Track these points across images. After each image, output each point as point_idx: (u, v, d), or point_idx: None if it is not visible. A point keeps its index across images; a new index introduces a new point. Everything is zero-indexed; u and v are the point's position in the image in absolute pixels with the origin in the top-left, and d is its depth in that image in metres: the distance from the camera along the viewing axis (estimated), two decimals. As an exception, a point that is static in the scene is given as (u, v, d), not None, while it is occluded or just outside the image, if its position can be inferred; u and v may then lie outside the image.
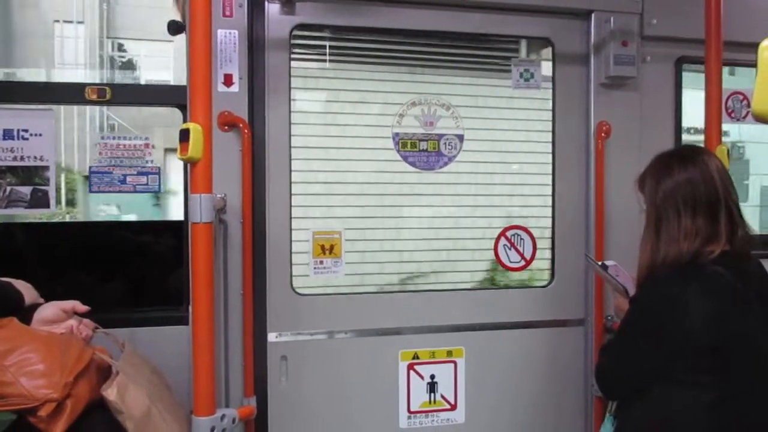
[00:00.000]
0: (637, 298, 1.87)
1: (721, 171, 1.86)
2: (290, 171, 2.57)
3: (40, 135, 2.41)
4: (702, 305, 1.73)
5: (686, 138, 3.01)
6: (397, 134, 2.73)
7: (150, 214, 11.39)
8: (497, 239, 2.84)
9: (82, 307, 1.86)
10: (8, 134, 2.38)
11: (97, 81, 13.41)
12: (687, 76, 2.93)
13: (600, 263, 2.24)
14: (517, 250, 2.85)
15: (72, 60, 15.46)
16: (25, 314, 1.79)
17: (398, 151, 2.72)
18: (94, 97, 2.42)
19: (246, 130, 2.41)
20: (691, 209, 1.81)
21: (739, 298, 1.76)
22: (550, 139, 2.83)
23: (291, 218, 2.57)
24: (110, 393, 1.70)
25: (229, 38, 2.42)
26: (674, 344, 1.74)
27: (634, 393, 1.85)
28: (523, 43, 2.96)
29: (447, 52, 2.82)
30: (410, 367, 2.71)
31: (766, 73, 0.96)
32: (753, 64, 1.07)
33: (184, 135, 1.78)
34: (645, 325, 1.82)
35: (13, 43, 14.25)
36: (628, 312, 1.89)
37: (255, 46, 2.49)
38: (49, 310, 1.82)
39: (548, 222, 2.85)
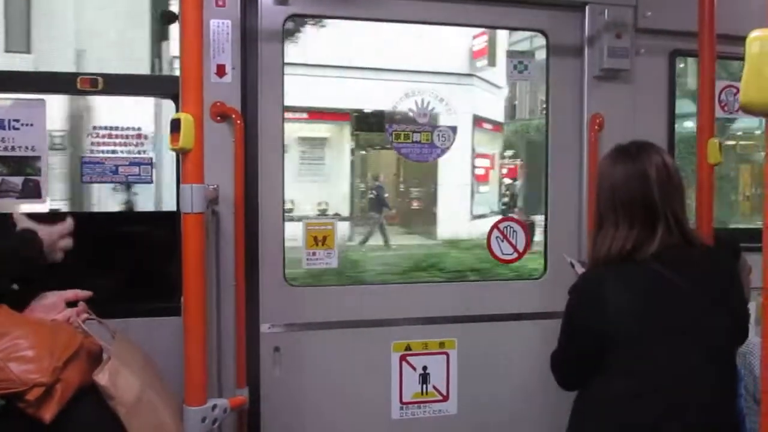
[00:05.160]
0: (570, 291, 1.90)
1: (662, 171, 1.82)
2: (283, 161, 2.57)
3: (32, 125, 2.39)
4: (621, 298, 1.76)
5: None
6: (390, 126, 2.72)
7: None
8: (490, 231, 2.85)
9: (83, 294, 1.88)
10: (-1, 124, 2.38)
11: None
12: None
13: (581, 261, 2.28)
14: (510, 243, 2.85)
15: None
16: (24, 299, 1.79)
17: (392, 142, 2.72)
18: (86, 86, 2.41)
19: (238, 121, 2.40)
20: (628, 216, 1.81)
21: (669, 288, 1.76)
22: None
23: (284, 209, 2.57)
24: (101, 378, 1.71)
25: (221, 28, 2.41)
26: (598, 336, 1.77)
27: (582, 382, 1.87)
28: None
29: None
30: (402, 358, 2.72)
31: (755, 65, 0.96)
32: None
33: (175, 125, 1.77)
34: (573, 320, 1.88)
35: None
36: (565, 307, 1.92)
37: (248, 36, 2.48)
38: (50, 299, 1.84)
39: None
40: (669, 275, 1.76)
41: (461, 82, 11.93)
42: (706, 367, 1.75)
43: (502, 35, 11.17)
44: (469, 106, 11.83)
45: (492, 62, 12.44)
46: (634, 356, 1.75)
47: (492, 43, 12.23)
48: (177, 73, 2.22)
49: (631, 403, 1.73)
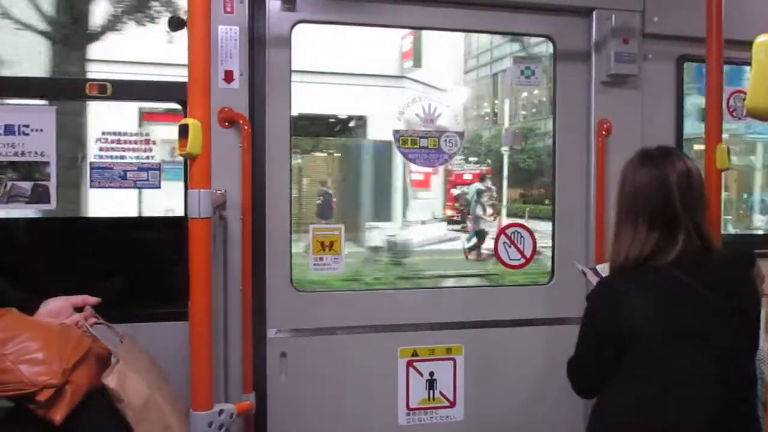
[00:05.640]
0: (588, 298, 1.90)
1: (683, 179, 1.81)
2: (290, 167, 2.58)
3: (41, 130, 2.41)
4: (640, 303, 1.75)
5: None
6: (397, 131, 2.73)
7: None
8: (497, 237, 2.85)
9: (91, 299, 1.89)
10: (9, 129, 2.39)
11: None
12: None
13: (591, 268, 2.28)
14: (517, 248, 2.85)
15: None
16: (31, 306, 1.80)
17: (399, 147, 2.72)
18: (94, 92, 2.42)
19: (246, 127, 2.41)
20: (647, 222, 1.81)
21: (688, 293, 1.75)
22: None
23: (291, 214, 2.58)
24: (110, 380, 1.72)
25: (229, 34, 2.42)
26: (617, 340, 1.76)
27: (599, 390, 1.86)
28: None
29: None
30: (409, 364, 2.71)
31: (761, 70, 0.96)
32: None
33: (183, 130, 1.78)
34: (591, 323, 1.87)
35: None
36: (583, 313, 1.91)
37: (256, 42, 2.49)
38: (57, 303, 1.85)
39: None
40: (687, 280, 1.76)
41: (392, 84, 11.54)
42: (724, 370, 1.75)
43: (428, 36, 10.79)
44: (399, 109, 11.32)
45: (417, 63, 12.01)
46: (653, 361, 1.74)
47: (417, 44, 11.80)
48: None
49: (649, 408, 1.73)
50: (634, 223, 1.83)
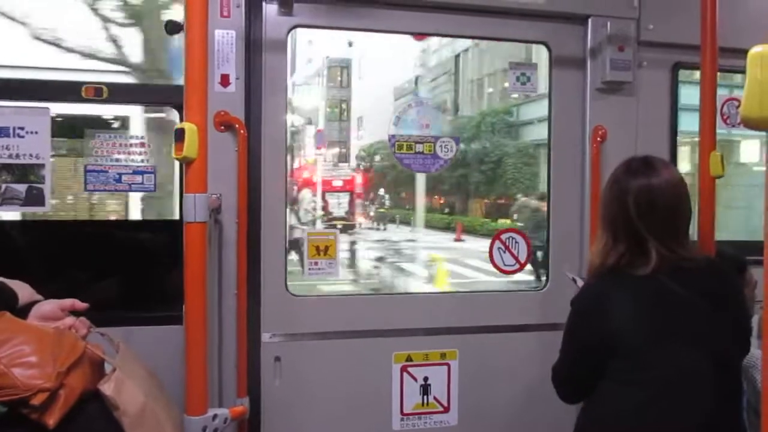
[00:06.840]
0: (572, 303, 1.91)
1: (642, 195, 1.79)
2: (286, 171, 2.58)
3: (36, 133, 2.41)
4: (623, 307, 1.76)
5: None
6: (393, 136, 2.73)
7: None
8: (492, 242, 2.85)
9: (80, 305, 1.87)
10: (4, 132, 2.38)
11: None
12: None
13: (583, 278, 2.29)
14: (512, 254, 2.85)
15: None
16: (22, 310, 1.79)
17: (394, 153, 2.73)
18: (90, 95, 2.42)
19: (242, 131, 2.41)
20: (612, 232, 1.83)
21: (671, 297, 1.76)
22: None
23: (286, 218, 2.58)
24: (107, 388, 1.71)
25: (226, 38, 2.43)
26: (602, 345, 1.77)
27: (585, 395, 1.87)
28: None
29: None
30: (403, 369, 2.71)
31: (755, 79, 0.97)
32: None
33: (179, 134, 1.78)
34: (575, 328, 1.88)
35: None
36: (567, 318, 1.92)
37: (252, 46, 2.50)
38: (48, 306, 1.83)
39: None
40: (671, 285, 1.77)
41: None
42: (710, 374, 1.76)
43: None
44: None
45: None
46: (637, 365, 1.75)
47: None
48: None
49: (637, 412, 1.74)
50: (602, 231, 1.87)
